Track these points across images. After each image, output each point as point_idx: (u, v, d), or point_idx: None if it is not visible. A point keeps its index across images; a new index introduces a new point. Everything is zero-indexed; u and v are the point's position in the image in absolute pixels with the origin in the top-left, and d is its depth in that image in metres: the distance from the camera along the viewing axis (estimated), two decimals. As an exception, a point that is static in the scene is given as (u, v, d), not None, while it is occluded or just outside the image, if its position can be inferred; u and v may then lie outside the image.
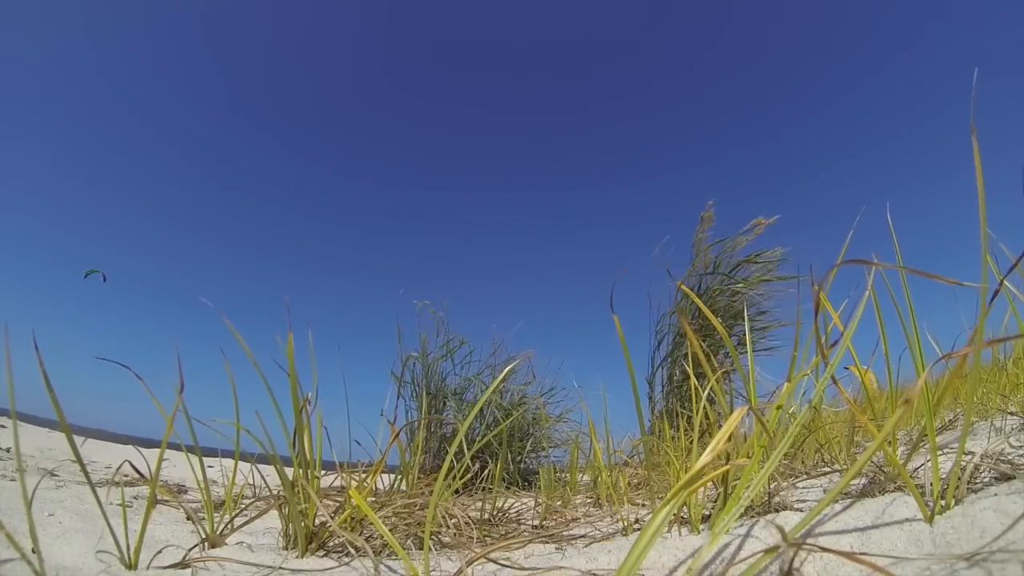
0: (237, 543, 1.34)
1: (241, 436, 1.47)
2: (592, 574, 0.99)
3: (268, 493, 1.88)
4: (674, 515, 1.05)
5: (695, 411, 1.31)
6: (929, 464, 0.89)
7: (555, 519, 1.62)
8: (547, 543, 1.30)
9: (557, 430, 3.23)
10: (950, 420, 1.80)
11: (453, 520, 1.42)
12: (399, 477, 2.03)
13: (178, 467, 3.25)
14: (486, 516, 1.67)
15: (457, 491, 2.03)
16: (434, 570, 1.12)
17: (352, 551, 1.24)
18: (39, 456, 3.05)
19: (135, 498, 2.04)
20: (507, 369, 1.35)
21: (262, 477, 1.97)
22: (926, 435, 0.94)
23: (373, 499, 1.60)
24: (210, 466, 1.75)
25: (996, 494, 0.83)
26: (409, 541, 1.34)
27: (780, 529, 0.66)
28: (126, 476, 2.44)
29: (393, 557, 1.26)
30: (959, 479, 0.89)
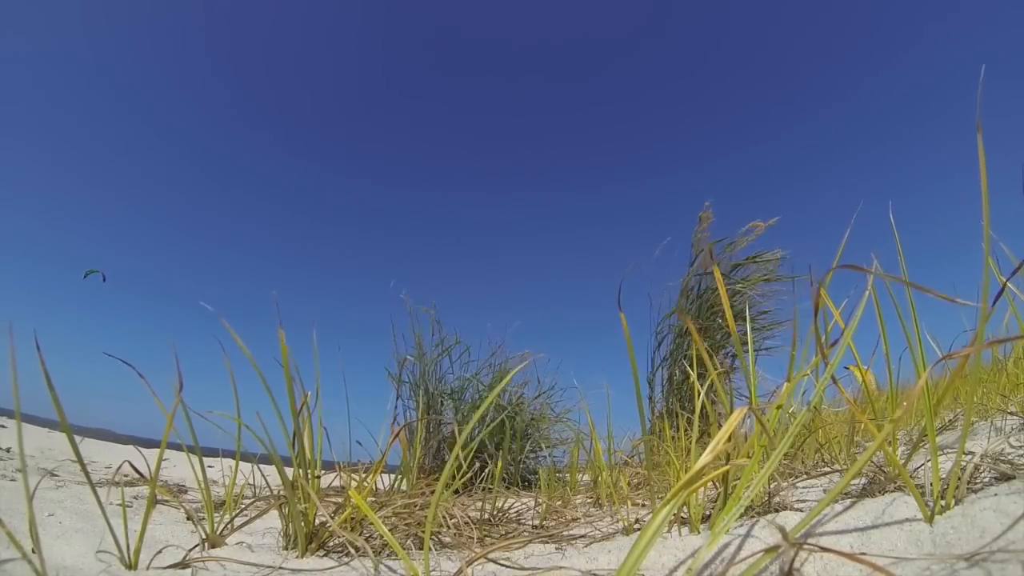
0: (237, 543, 1.34)
1: (242, 436, 1.47)
2: (592, 574, 0.99)
3: (268, 493, 1.88)
4: (674, 515, 1.05)
5: (696, 410, 1.31)
6: (929, 464, 0.89)
7: (555, 519, 1.62)
8: (547, 543, 1.30)
9: (557, 430, 3.23)
10: (950, 420, 1.80)
11: (453, 520, 1.42)
12: (399, 477, 2.03)
13: (178, 467, 3.25)
14: (486, 516, 1.67)
15: (457, 491, 2.03)
16: (434, 570, 1.12)
17: (352, 551, 1.24)
18: (39, 456, 3.05)
19: (135, 498, 2.04)
20: (512, 373, 1.34)
21: (263, 477, 1.97)
22: (926, 435, 0.94)
23: (373, 499, 1.60)
24: (210, 466, 1.75)
25: (996, 494, 0.83)
26: (409, 541, 1.34)
27: (780, 529, 0.66)
28: (126, 476, 2.44)
29: (393, 557, 1.26)
30: (959, 479, 0.89)
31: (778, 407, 1.21)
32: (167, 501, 1.93)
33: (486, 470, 2.58)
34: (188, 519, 1.64)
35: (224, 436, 1.49)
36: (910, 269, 1.13)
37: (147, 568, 1.06)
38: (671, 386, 3.45)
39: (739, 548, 0.91)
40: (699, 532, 1.10)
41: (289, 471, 1.35)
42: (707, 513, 1.21)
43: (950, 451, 1.30)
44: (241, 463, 1.66)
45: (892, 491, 1.01)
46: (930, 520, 0.83)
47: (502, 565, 1.12)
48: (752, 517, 1.09)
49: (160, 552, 1.15)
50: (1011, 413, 1.48)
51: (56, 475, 2.28)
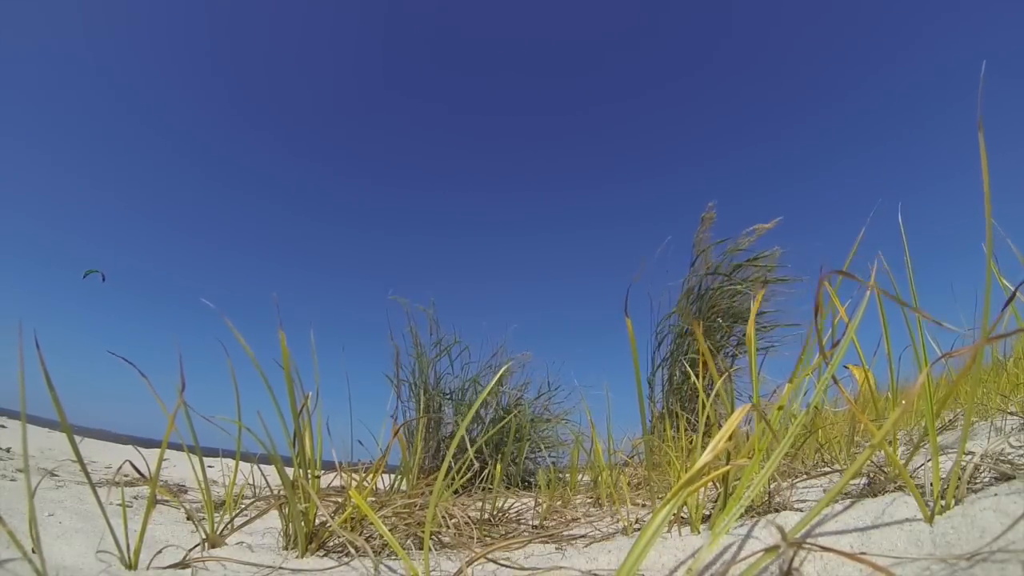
0: (237, 543, 1.34)
1: (242, 436, 1.47)
2: (592, 574, 0.99)
3: (268, 493, 1.88)
4: (674, 515, 1.05)
5: (699, 410, 1.31)
6: (929, 464, 0.89)
7: (555, 519, 1.62)
8: (547, 543, 1.30)
9: (556, 431, 3.22)
10: (950, 420, 1.80)
11: (453, 520, 1.42)
12: (399, 477, 2.03)
13: (178, 467, 3.25)
14: (486, 516, 1.67)
15: (457, 491, 2.03)
16: (434, 570, 1.12)
17: (352, 551, 1.24)
18: (39, 456, 3.05)
19: (135, 498, 2.04)
20: (501, 371, 1.35)
21: (263, 477, 1.97)
22: (927, 435, 0.94)
23: (373, 499, 1.60)
24: (210, 466, 1.75)
25: (996, 494, 0.83)
26: (409, 541, 1.34)
27: (780, 529, 0.66)
28: (126, 476, 2.44)
29: (393, 557, 1.26)
30: (959, 479, 0.89)
31: (779, 407, 1.21)
32: (167, 501, 1.93)
33: (486, 470, 2.58)
34: (188, 519, 1.64)
35: (224, 436, 1.49)
36: (914, 269, 1.13)
37: (147, 568, 1.06)
38: (671, 386, 3.45)
39: (739, 548, 0.91)
40: (699, 532, 1.10)
41: (289, 471, 1.35)
42: (707, 513, 1.21)
43: (950, 451, 1.30)
44: (241, 463, 1.66)
45: (892, 491, 1.01)
46: (930, 520, 0.83)
47: (502, 565, 1.12)
48: (752, 517, 1.09)
49: (160, 552, 1.15)
50: (1011, 413, 1.48)
51: (56, 475, 2.28)
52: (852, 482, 1.18)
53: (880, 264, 1.10)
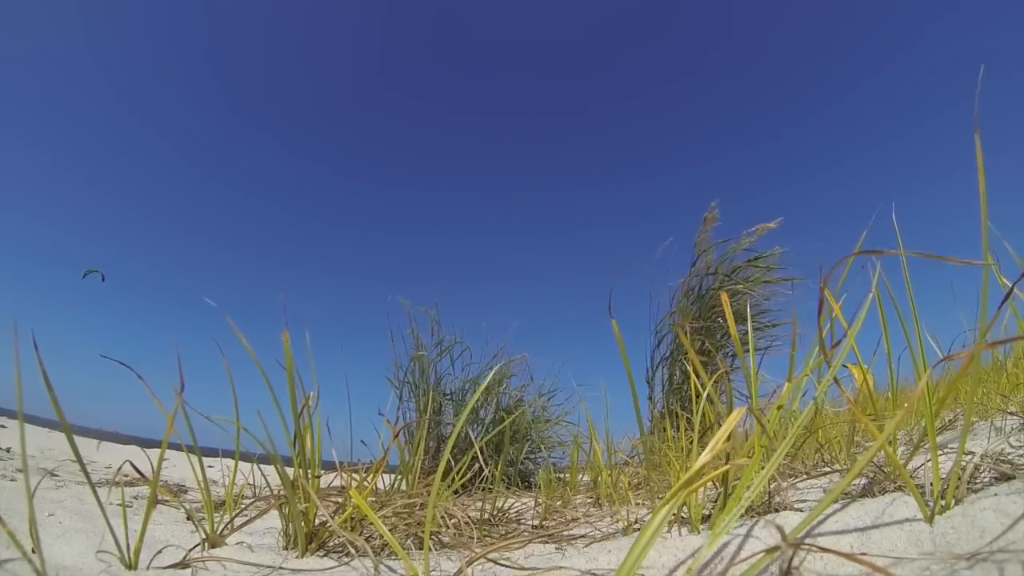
0: (237, 543, 1.34)
1: (242, 436, 1.47)
2: (592, 574, 0.99)
3: (268, 493, 1.88)
4: (674, 515, 1.05)
5: (695, 411, 1.31)
6: (929, 464, 0.89)
7: (555, 519, 1.62)
8: (547, 543, 1.30)
9: (556, 431, 3.22)
10: (950, 420, 1.80)
11: (453, 520, 1.42)
12: (399, 477, 2.03)
13: (178, 467, 3.25)
14: (486, 516, 1.67)
15: (457, 491, 2.03)
16: (434, 570, 1.12)
17: (352, 551, 1.24)
18: (39, 456, 3.05)
19: (135, 498, 2.04)
20: (493, 370, 1.35)
21: (263, 477, 1.97)
22: (927, 435, 0.94)
23: (373, 499, 1.60)
24: (210, 466, 1.75)
25: (996, 494, 0.83)
26: (409, 541, 1.34)
27: (780, 529, 0.66)
28: (126, 476, 2.44)
29: (393, 557, 1.26)
30: (959, 479, 0.89)
31: (778, 407, 1.21)
32: (167, 501, 1.93)
33: (486, 471, 2.58)
34: (188, 519, 1.64)
35: (224, 436, 1.49)
36: (911, 269, 1.13)
37: (147, 568, 1.06)
38: (671, 386, 3.45)
39: (739, 548, 0.91)
40: (699, 532, 1.10)
41: (289, 471, 1.35)
42: (707, 513, 1.21)
43: (950, 451, 1.30)
44: (241, 463, 1.66)
45: (892, 491, 1.01)
46: (930, 520, 0.83)
47: (502, 565, 1.12)
48: (752, 517, 1.09)
49: (160, 552, 1.15)
50: (1011, 413, 1.47)
51: (56, 475, 2.28)
52: (852, 482, 1.18)
53: (879, 265, 1.10)
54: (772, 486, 1.23)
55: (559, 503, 1.80)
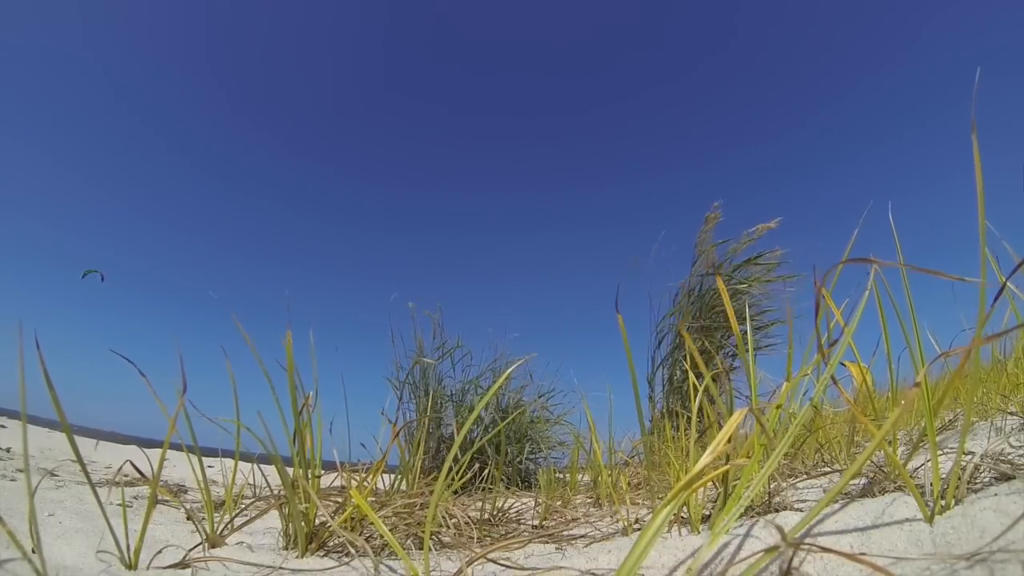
0: (237, 543, 1.34)
1: (242, 436, 1.47)
2: (592, 574, 0.99)
3: (268, 493, 1.88)
4: (674, 515, 1.05)
5: (693, 411, 1.31)
6: (929, 464, 0.89)
7: (555, 519, 1.62)
8: (547, 543, 1.30)
9: (556, 432, 3.23)
10: (950, 420, 1.80)
11: (453, 520, 1.42)
12: (399, 477, 2.03)
13: (178, 467, 3.25)
14: (486, 516, 1.67)
15: (457, 491, 2.03)
16: (434, 570, 1.12)
17: (352, 551, 1.24)
18: (39, 456, 3.05)
19: (135, 498, 2.04)
20: (504, 376, 1.35)
21: (263, 477, 1.97)
22: (926, 435, 0.94)
23: (373, 499, 1.60)
24: (210, 466, 1.75)
25: (996, 494, 0.83)
26: (409, 541, 1.34)
27: (780, 529, 0.66)
28: (126, 476, 2.44)
29: (393, 557, 1.26)
30: (959, 479, 0.89)
31: (778, 407, 1.21)
32: (167, 501, 1.93)
33: (486, 471, 2.58)
34: (188, 519, 1.64)
35: (224, 436, 1.49)
36: (909, 269, 1.13)
37: (147, 568, 1.06)
38: (671, 386, 3.45)
39: (739, 548, 0.91)
40: (699, 532, 1.10)
41: (289, 471, 1.35)
42: (707, 513, 1.21)
43: (950, 451, 1.30)
44: (241, 463, 1.66)
45: (892, 491, 1.01)
46: (930, 520, 0.83)
47: (502, 565, 1.12)
48: (752, 517, 1.09)
49: (160, 552, 1.15)
50: (1011, 413, 1.48)
51: (56, 475, 2.28)
52: (852, 482, 1.18)
53: (874, 265, 1.10)
54: (772, 486, 1.23)
55: (559, 503, 1.80)
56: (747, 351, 1.34)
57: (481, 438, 2.94)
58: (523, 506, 1.86)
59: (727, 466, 0.91)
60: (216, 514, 1.48)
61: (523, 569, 1.09)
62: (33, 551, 0.87)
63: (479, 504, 1.79)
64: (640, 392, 1.27)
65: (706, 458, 0.69)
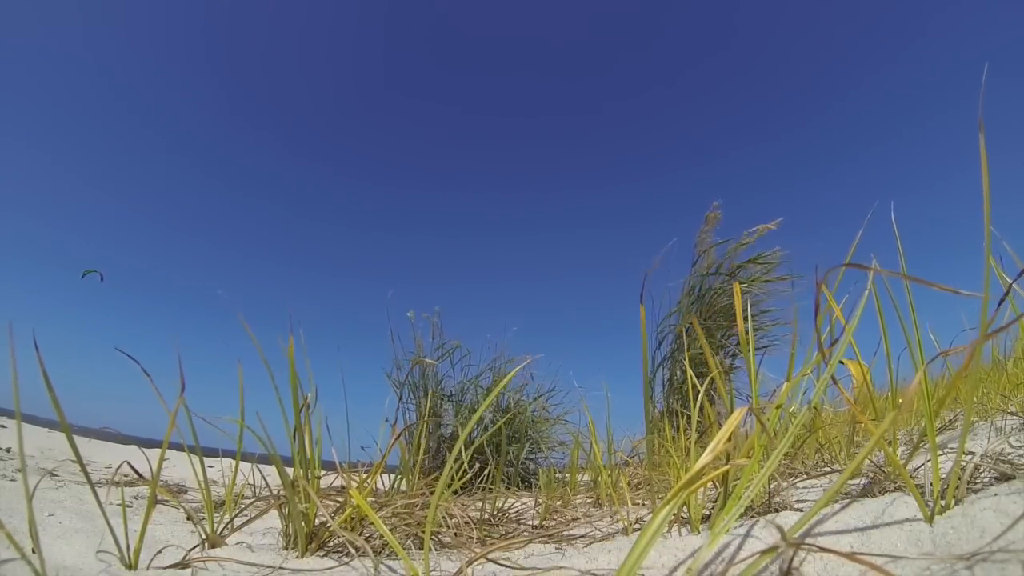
0: (237, 543, 1.34)
1: (242, 436, 1.47)
2: (592, 574, 0.99)
3: (268, 493, 1.88)
4: (674, 515, 1.05)
5: (692, 413, 1.31)
6: (929, 464, 0.89)
7: (555, 519, 1.62)
8: (547, 543, 1.30)
9: (556, 431, 3.23)
10: (950, 420, 1.80)
11: (453, 520, 1.42)
12: (399, 477, 2.03)
13: (178, 467, 3.25)
14: (486, 516, 1.67)
15: (457, 491, 2.03)
16: (434, 570, 1.12)
17: (352, 551, 1.24)
18: (39, 456, 3.05)
19: (135, 498, 2.04)
20: (507, 378, 1.35)
21: (263, 477, 1.97)
22: (926, 435, 0.94)
23: (373, 499, 1.60)
24: (210, 466, 1.75)
25: (996, 494, 0.83)
26: (409, 541, 1.34)
27: (780, 529, 0.66)
28: (126, 476, 2.44)
29: (393, 557, 1.26)
30: (959, 479, 0.89)
31: (778, 406, 1.21)
32: (167, 501, 1.93)
33: (486, 471, 2.58)
34: (188, 519, 1.64)
35: (224, 436, 1.49)
36: (910, 267, 1.13)
37: (147, 568, 1.06)
38: (671, 386, 3.45)
39: (739, 548, 0.91)
40: (699, 532, 1.10)
41: (289, 471, 1.35)
42: (707, 513, 1.21)
43: (950, 451, 1.30)
44: (241, 463, 1.66)
45: (892, 491, 1.01)
46: (930, 520, 0.83)
47: (502, 565, 1.12)
48: (752, 517, 1.09)
49: (160, 552, 1.15)
50: (1011, 413, 1.47)
51: (56, 475, 2.28)
52: (852, 482, 1.18)
53: (874, 263, 1.09)
54: (772, 486, 1.23)
55: (559, 503, 1.80)
56: (749, 350, 1.34)
57: (481, 437, 2.94)
58: (523, 506, 1.86)
59: (727, 466, 0.91)
60: (216, 514, 1.47)
61: (523, 569, 1.09)
62: (33, 551, 0.87)
63: (479, 504, 1.79)
64: (649, 388, 1.27)
65: (706, 457, 0.69)
